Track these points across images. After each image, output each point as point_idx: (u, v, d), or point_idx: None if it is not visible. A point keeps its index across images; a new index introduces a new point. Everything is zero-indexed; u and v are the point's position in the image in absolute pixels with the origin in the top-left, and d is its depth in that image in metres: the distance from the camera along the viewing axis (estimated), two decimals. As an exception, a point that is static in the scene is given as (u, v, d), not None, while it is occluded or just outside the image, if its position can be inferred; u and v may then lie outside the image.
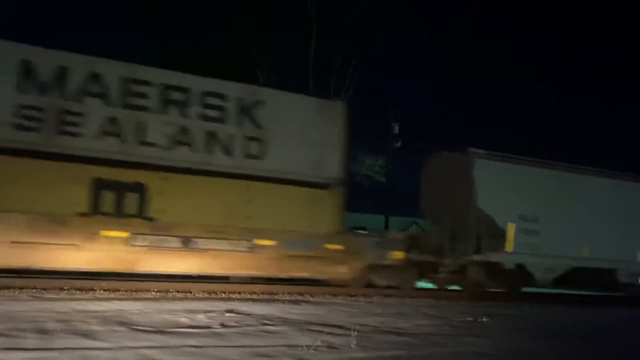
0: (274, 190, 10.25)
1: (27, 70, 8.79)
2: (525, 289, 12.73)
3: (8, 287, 8.41)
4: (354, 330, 5.32)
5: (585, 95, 33.94)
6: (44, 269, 9.05)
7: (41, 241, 8.62)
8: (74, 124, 9.02)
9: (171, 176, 9.51)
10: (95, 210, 9.03)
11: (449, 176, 12.48)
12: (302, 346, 4.61)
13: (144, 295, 8.58)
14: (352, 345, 4.79)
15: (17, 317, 5.44)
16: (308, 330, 5.62)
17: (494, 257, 11.89)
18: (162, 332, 4.97)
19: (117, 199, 9.20)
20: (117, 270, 9.40)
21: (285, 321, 6.21)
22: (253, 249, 9.99)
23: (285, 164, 10.40)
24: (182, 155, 9.67)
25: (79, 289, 8.83)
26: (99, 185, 9.06)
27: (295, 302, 8.85)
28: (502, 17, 29.77)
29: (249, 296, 9.44)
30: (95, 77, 9.21)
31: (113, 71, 9.35)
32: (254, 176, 10.13)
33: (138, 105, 9.47)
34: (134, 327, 5.18)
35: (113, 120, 9.27)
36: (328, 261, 10.59)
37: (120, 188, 9.19)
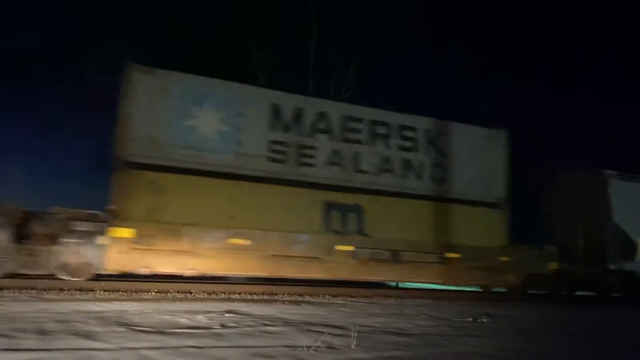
0: (455, 209, 11.97)
1: (275, 112, 10.70)
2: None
3: (8, 288, 8.42)
4: (354, 330, 5.32)
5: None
6: (295, 278, 10.78)
7: (293, 254, 10.43)
8: (309, 156, 10.92)
9: (378, 198, 11.29)
10: (327, 228, 10.84)
11: (584, 194, 14.08)
12: (302, 347, 4.62)
13: (143, 296, 8.59)
14: (352, 346, 4.79)
15: (17, 318, 5.44)
16: (308, 330, 5.62)
17: (627, 266, 13.64)
18: (162, 333, 4.97)
19: (342, 219, 10.99)
20: (346, 279, 11.17)
21: (285, 322, 6.21)
22: (443, 260, 11.63)
23: (463, 187, 12.17)
24: (385, 181, 11.51)
25: (79, 290, 8.84)
26: (329, 207, 10.90)
27: (295, 302, 8.86)
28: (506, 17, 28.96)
29: (248, 297, 9.45)
30: (322, 115, 11.11)
31: (335, 110, 11.28)
32: (439, 197, 11.91)
33: (353, 138, 11.38)
34: (134, 327, 5.18)
35: (336, 153, 11.18)
36: (499, 271, 12.14)
37: (343, 209, 11.03)
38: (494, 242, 12.16)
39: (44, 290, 8.59)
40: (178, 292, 9.42)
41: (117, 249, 9.17)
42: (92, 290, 8.89)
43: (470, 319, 7.43)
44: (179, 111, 9.90)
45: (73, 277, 9.33)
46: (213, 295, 9.39)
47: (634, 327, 8.52)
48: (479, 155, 12.46)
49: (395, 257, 11.15)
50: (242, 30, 18.75)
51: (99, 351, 4.09)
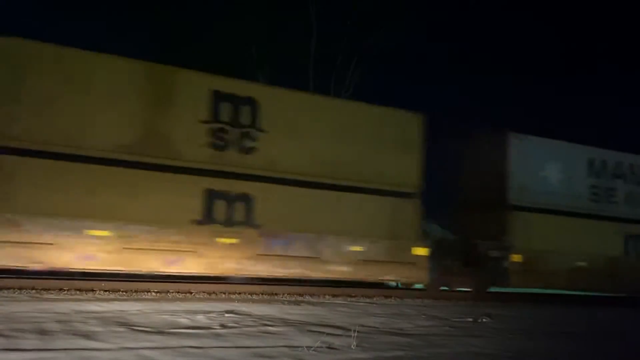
0: None
1: (590, 163, 13.92)
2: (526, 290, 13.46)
3: (8, 288, 8.41)
4: (354, 331, 5.32)
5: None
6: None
7: (606, 273, 13.38)
8: (612, 196, 14.22)
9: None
10: (628, 253, 14.01)
11: None
12: (302, 347, 4.61)
13: (143, 296, 8.58)
14: (352, 346, 4.79)
15: (17, 318, 5.44)
16: (308, 330, 5.62)
17: None
18: (162, 333, 4.97)
19: (636, 245, 14.25)
20: (633, 293, 13.79)
21: (285, 322, 6.21)
22: None
23: None
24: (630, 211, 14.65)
25: (79, 290, 8.83)
26: (627, 237, 14.11)
27: (296, 302, 8.85)
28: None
29: (248, 297, 9.45)
30: (618, 164, 14.35)
31: (625, 159, 14.42)
32: None
33: (637, 182, 14.64)
34: (134, 327, 5.17)
35: (629, 193, 14.45)
36: None
37: (636, 239, 14.29)
38: None
39: (44, 290, 8.58)
40: (178, 292, 9.41)
41: (513, 270, 12.39)
42: (92, 290, 8.88)
43: (470, 319, 7.43)
44: (537, 165, 13.26)
45: (472, 290, 12.21)
46: (213, 295, 9.38)
47: (636, 327, 8.51)
48: None
49: None
50: (242, 29, 18.74)
51: (99, 351, 4.09)
